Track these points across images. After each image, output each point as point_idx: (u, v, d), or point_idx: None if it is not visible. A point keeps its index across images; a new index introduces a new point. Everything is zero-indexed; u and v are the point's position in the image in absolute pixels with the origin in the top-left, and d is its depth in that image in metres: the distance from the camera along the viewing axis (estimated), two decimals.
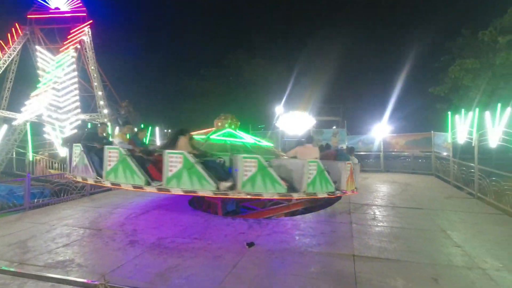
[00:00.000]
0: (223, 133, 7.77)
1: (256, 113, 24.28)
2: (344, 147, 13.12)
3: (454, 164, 10.51)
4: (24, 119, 17.97)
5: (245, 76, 28.36)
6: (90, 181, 5.82)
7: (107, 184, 5.55)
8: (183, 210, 7.09)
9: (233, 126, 8.18)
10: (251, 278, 3.65)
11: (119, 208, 7.18)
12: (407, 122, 22.87)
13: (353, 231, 5.40)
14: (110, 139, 6.61)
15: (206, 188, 5.03)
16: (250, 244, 4.68)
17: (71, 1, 21.04)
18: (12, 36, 19.50)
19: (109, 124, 15.15)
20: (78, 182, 6.79)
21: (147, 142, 8.51)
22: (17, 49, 19.77)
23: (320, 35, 30.86)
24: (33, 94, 17.93)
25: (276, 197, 5.63)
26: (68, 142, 6.93)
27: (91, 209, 7.19)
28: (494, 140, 7.43)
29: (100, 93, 21.61)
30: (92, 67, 21.41)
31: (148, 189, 5.24)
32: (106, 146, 5.59)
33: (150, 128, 13.14)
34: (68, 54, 18.89)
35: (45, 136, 17.83)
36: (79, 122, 18.70)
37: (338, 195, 6.33)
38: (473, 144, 8.59)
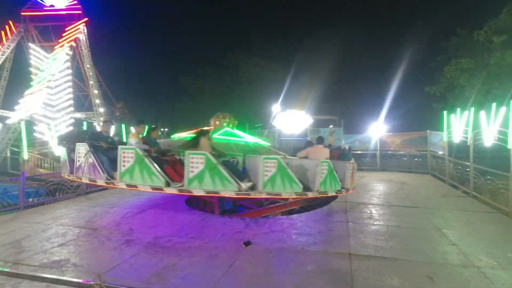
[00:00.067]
0: (223, 133, 7.73)
1: (253, 112, 24.25)
2: (347, 147, 13.47)
3: (449, 163, 10.59)
4: (19, 118, 17.76)
5: (242, 75, 28.30)
6: (100, 182, 5.61)
7: (121, 186, 5.39)
8: (180, 209, 7.06)
9: (231, 125, 8.15)
10: (248, 277, 3.65)
11: (115, 207, 7.14)
12: (403, 121, 22.99)
13: (349, 230, 5.42)
14: (117, 139, 6.44)
15: (228, 189, 5.05)
16: (247, 243, 4.67)
17: None
18: (6, 33, 19.19)
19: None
20: (85, 183, 6.62)
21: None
22: (11, 47, 19.50)
23: (318, 34, 31.00)
24: (27, 92, 17.73)
25: (294, 196, 5.80)
26: (65, 140, 6.70)
27: (86, 208, 7.14)
28: (489, 139, 7.47)
29: (96, 91, 21.44)
30: (88, 66, 21.22)
31: (168, 190, 5.21)
32: (121, 146, 5.43)
33: (146, 127, 13.04)
34: (63, 51, 18.69)
35: (35, 135, 17.61)
36: (72, 120, 18.54)
37: (343, 193, 6.60)
38: (468, 143, 8.66)
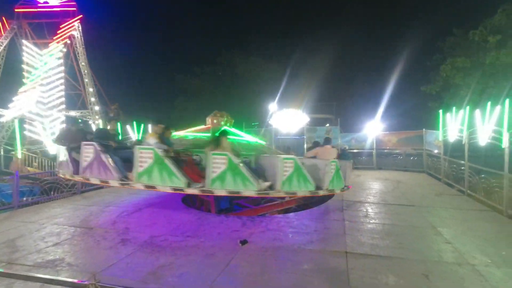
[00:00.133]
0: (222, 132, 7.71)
1: (250, 111, 24.19)
2: (347, 147, 13.84)
3: (445, 162, 10.67)
4: (12, 116, 17.54)
5: (239, 73, 28.21)
6: (113, 183, 5.44)
7: (138, 187, 5.28)
8: (176, 208, 7.03)
9: (228, 124, 8.11)
10: (244, 275, 3.65)
11: (111, 206, 7.09)
12: (399, 120, 23.05)
13: (345, 228, 5.44)
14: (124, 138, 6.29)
15: (249, 189, 5.11)
16: (244, 242, 4.67)
17: None
18: None
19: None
20: (95, 184, 6.48)
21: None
22: (4, 44, 19.23)
23: (315, 34, 31.00)
24: (21, 90, 17.51)
25: (308, 195, 5.97)
26: (63, 139, 6.44)
27: (82, 207, 7.08)
28: (483, 138, 7.53)
29: (91, 89, 21.26)
30: (83, 63, 21.02)
31: (189, 191, 5.21)
32: (138, 146, 5.31)
33: (143, 125, 12.96)
34: (57, 48, 18.48)
35: (25, 133, 17.36)
36: (63, 118, 18.33)
37: (344, 191, 6.93)
38: (463, 142, 8.72)
